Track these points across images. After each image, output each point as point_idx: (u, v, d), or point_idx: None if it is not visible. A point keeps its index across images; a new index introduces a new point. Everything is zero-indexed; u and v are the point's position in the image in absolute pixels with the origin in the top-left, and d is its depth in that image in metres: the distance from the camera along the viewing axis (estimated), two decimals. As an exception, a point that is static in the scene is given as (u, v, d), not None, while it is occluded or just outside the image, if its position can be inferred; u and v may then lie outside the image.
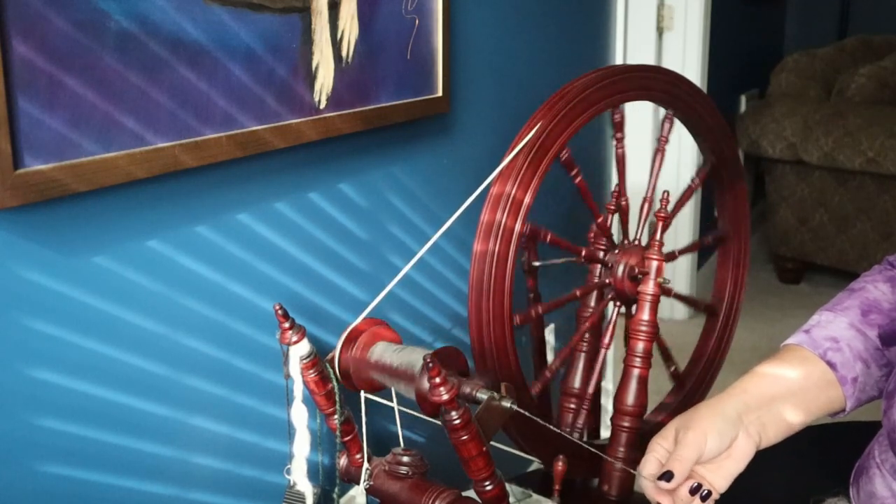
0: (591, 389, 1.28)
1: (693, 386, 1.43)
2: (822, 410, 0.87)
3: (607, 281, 1.26)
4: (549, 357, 1.40)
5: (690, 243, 1.44)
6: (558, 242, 1.22)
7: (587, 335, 1.31)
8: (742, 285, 1.48)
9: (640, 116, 2.43)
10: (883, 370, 0.86)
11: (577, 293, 1.26)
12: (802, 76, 3.20)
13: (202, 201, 0.94)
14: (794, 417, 0.86)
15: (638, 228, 1.29)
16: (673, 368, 1.40)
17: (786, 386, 0.86)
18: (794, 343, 0.90)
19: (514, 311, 1.13)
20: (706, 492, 0.82)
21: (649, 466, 0.85)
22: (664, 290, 1.19)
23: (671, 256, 1.29)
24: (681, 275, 2.79)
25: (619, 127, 1.25)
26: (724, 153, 1.38)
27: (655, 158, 1.31)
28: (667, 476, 0.81)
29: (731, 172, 1.41)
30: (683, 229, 2.68)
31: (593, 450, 1.05)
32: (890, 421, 0.79)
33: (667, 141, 1.31)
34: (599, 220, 1.24)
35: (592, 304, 1.31)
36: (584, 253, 1.26)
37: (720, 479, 0.84)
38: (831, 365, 0.86)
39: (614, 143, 1.27)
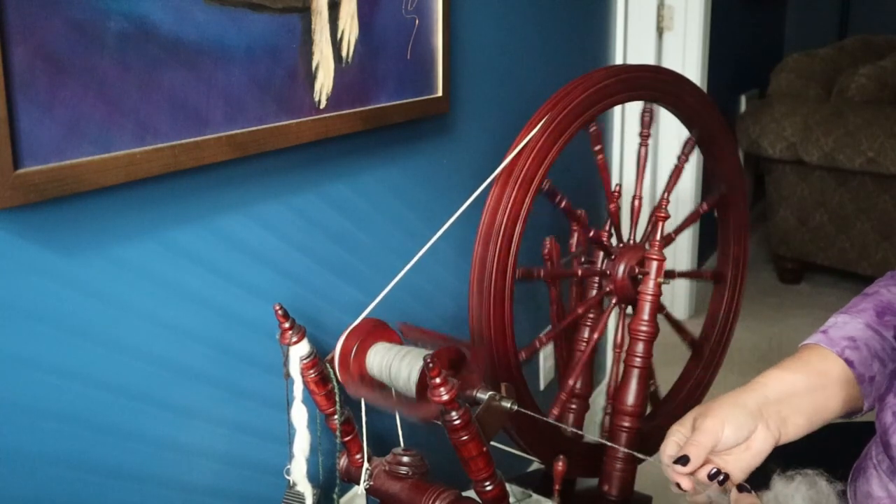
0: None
1: (712, 348, 1.45)
2: (840, 408, 0.88)
3: (608, 289, 1.26)
4: (540, 362, 1.41)
5: (688, 215, 1.41)
6: (553, 273, 1.24)
7: (586, 335, 1.32)
8: (746, 246, 1.47)
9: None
10: None
11: (580, 311, 1.26)
12: (802, 76, 3.20)
13: (202, 202, 0.94)
14: (813, 414, 0.87)
15: (631, 227, 1.29)
16: (689, 339, 1.43)
17: (805, 383, 0.87)
18: (811, 343, 0.91)
19: (518, 348, 1.14)
20: (723, 476, 0.83)
21: (669, 449, 0.86)
22: (667, 273, 1.20)
23: (669, 239, 1.28)
24: (682, 260, 2.77)
25: (596, 139, 1.24)
26: (707, 123, 1.37)
27: (640, 153, 1.31)
28: (682, 460, 0.83)
29: (719, 141, 1.40)
30: (683, 211, 2.67)
31: (604, 441, 1.05)
32: (881, 423, 0.80)
33: (648, 135, 1.31)
34: (591, 234, 1.24)
35: (592, 312, 1.31)
36: (580, 272, 1.26)
37: (737, 470, 0.85)
38: (849, 362, 0.87)
39: (595, 154, 1.26)
